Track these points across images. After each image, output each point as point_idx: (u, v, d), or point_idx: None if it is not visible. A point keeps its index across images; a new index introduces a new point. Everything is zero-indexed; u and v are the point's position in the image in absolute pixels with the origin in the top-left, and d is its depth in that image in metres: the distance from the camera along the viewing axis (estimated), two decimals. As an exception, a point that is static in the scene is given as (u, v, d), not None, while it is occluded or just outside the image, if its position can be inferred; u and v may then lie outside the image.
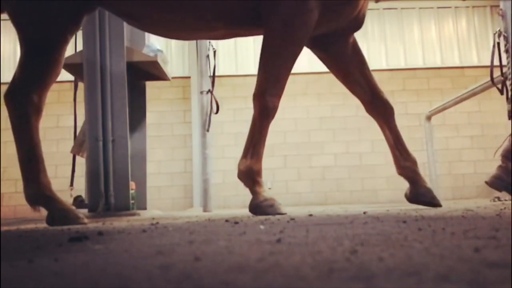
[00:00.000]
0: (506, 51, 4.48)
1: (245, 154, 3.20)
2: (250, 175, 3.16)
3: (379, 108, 3.53)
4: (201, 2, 3.19)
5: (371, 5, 8.68)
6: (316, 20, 3.16)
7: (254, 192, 3.15)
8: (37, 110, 3.08)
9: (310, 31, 3.21)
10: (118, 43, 4.63)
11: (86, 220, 2.97)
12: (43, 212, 3.04)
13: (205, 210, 5.66)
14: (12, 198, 8.36)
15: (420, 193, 3.39)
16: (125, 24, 4.64)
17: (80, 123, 5.10)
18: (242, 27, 3.39)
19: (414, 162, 3.49)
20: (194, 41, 6.44)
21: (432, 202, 3.34)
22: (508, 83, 4.48)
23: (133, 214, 4.34)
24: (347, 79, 3.59)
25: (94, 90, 4.54)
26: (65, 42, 3.18)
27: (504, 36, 4.52)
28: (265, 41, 3.19)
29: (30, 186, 3.01)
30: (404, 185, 3.58)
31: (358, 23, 3.50)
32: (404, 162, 3.48)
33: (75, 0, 3.12)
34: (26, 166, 3.03)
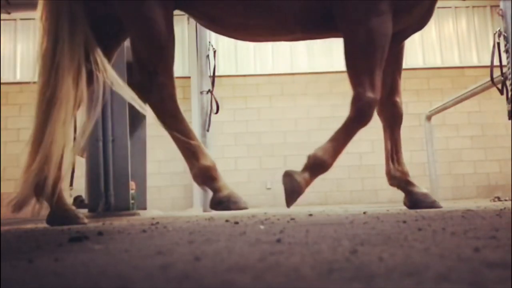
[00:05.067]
0: (506, 51, 4.48)
1: (324, 145, 3.29)
2: (320, 164, 3.21)
3: (388, 113, 3.51)
4: (285, 3, 3.17)
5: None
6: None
7: (307, 177, 3.14)
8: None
9: (389, 31, 3.11)
10: (118, 43, 4.62)
11: (86, 220, 2.97)
12: (43, 211, 3.04)
13: (205, 210, 5.65)
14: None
15: (419, 200, 3.37)
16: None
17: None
18: (317, 31, 3.37)
19: (404, 173, 3.47)
20: (194, 41, 6.44)
21: (433, 205, 3.32)
22: (508, 83, 4.48)
23: (133, 214, 4.34)
24: None
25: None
26: (117, 44, 3.44)
27: (504, 36, 4.52)
28: (348, 46, 3.12)
29: (40, 176, 2.98)
30: (404, 185, 3.56)
31: (422, 24, 3.46)
32: (395, 172, 3.47)
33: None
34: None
